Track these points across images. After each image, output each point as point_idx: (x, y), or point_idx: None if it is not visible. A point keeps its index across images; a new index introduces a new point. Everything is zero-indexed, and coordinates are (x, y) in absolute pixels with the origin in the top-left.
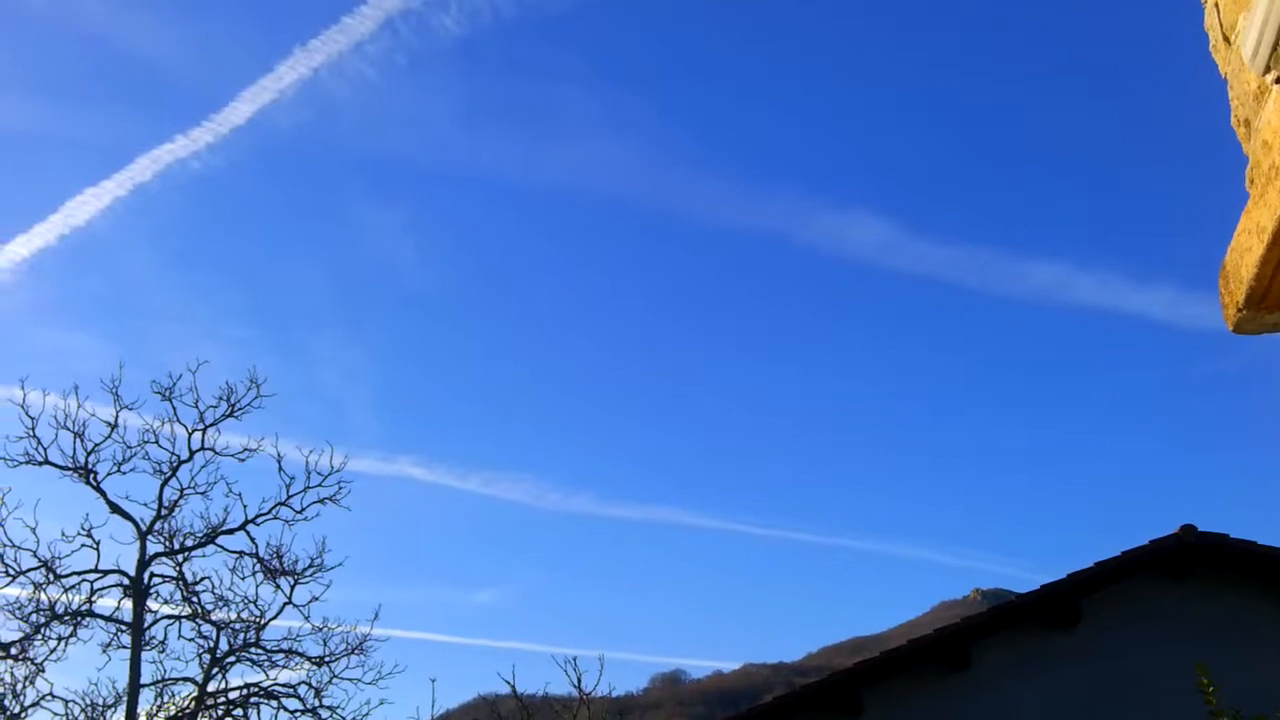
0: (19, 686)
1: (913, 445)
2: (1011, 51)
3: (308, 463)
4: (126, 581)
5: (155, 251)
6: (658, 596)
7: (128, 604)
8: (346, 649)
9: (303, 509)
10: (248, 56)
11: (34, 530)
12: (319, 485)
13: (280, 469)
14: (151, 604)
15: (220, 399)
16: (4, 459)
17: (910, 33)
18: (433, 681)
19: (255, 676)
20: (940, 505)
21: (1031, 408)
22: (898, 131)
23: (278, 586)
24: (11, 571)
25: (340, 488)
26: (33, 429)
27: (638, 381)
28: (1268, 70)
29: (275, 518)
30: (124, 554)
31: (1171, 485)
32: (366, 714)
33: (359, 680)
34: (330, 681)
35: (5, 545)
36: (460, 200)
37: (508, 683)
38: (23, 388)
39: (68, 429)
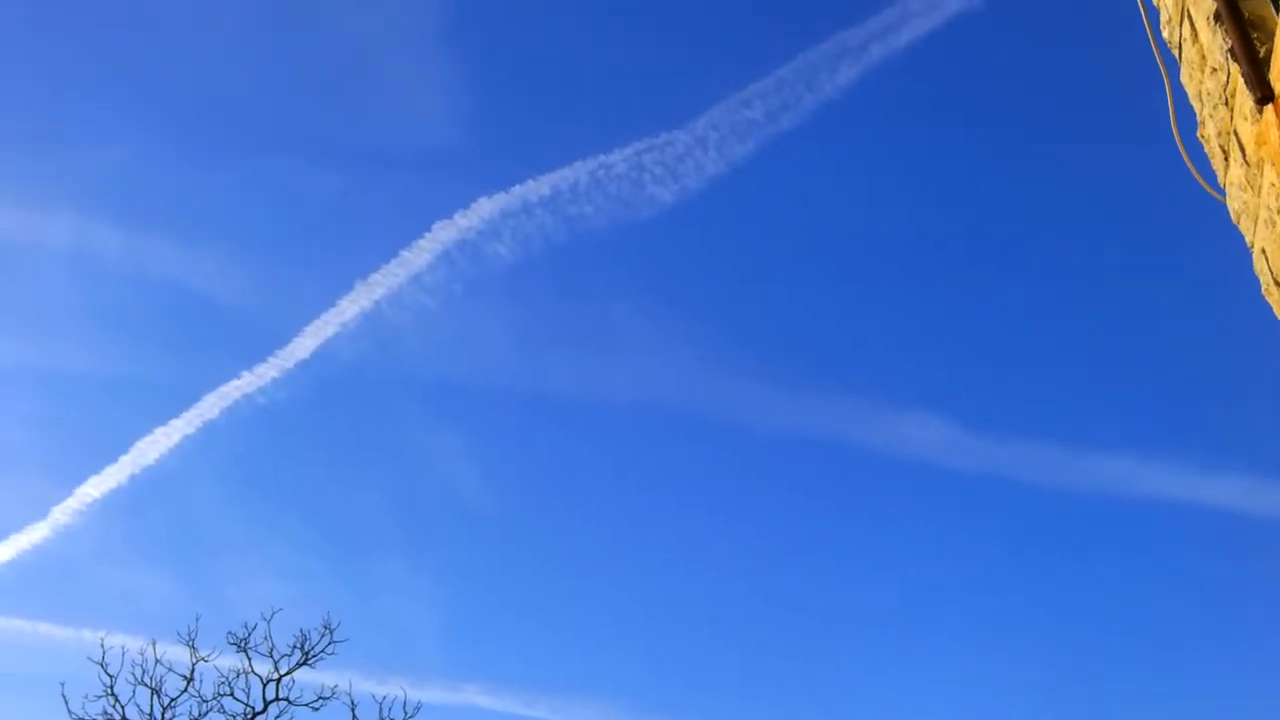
0: None
1: (988, 647)
2: (1059, 246)
3: (381, 708)
4: None
5: (223, 486)
6: None
7: None
8: None
9: None
10: (312, 293)
11: None
12: None
13: (354, 716)
14: None
15: (294, 647)
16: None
17: (956, 232)
18: None
19: None
20: (1011, 704)
21: (1095, 603)
22: (952, 329)
23: None
24: None
25: None
26: (111, 687)
27: (708, 597)
28: None
29: None
30: None
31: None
32: None
33: None
34: None
35: None
36: (519, 420)
37: None
38: (102, 645)
39: (145, 684)
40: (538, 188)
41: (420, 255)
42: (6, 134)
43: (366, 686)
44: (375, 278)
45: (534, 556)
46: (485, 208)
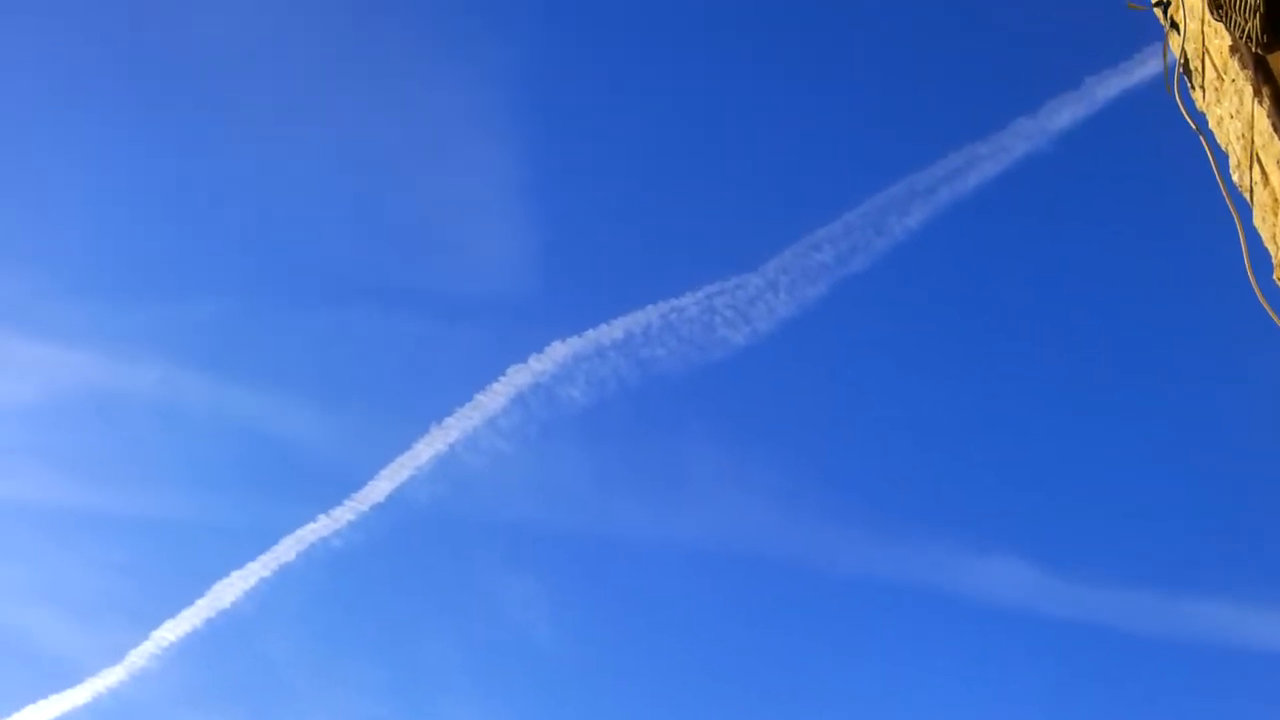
0: None
1: None
2: (1141, 388)
3: None
4: None
5: (298, 630)
6: None
7: None
8: None
9: None
10: (388, 437)
11: None
12: None
13: None
14: None
15: None
16: None
17: (1033, 375)
18: None
19: None
20: None
21: None
22: (1037, 471)
23: None
24: None
25: None
26: None
27: None
28: None
29: None
30: None
31: None
32: None
33: None
34: None
35: None
36: (592, 563)
37: None
38: None
39: None
40: (610, 331)
41: (494, 398)
42: (101, 287)
43: None
44: (450, 421)
45: (608, 703)
46: (559, 351)
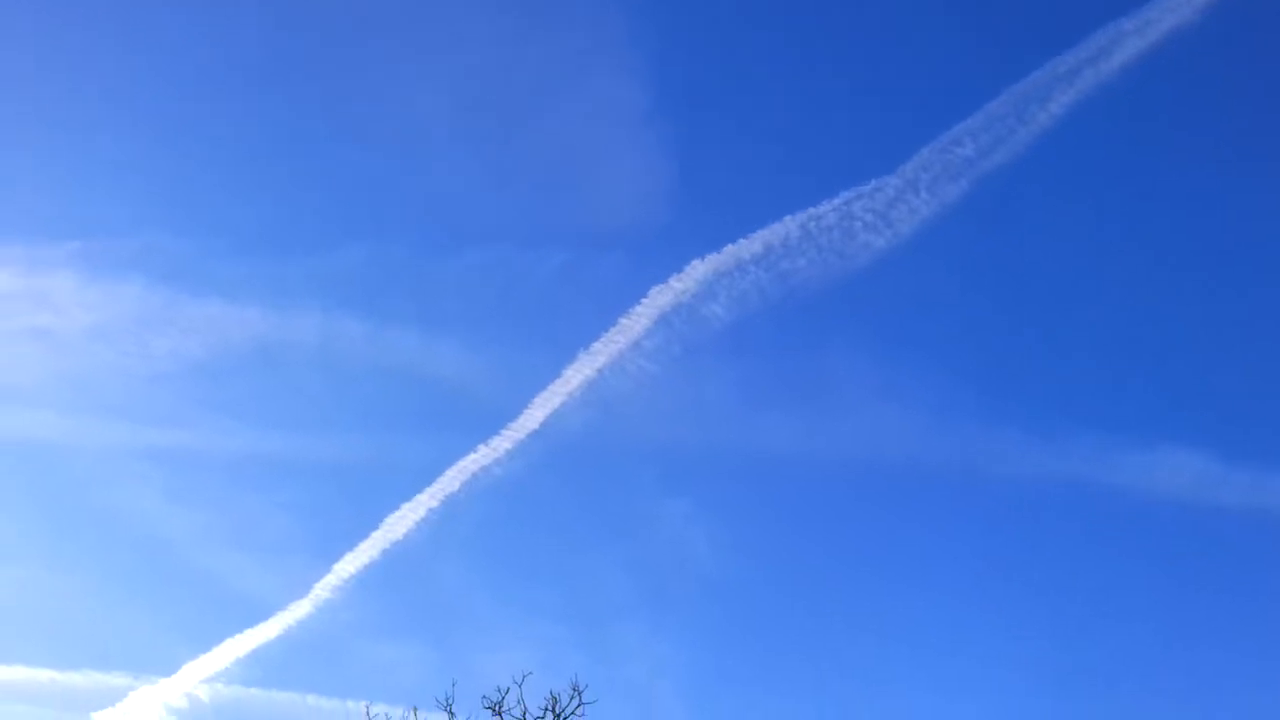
0: None
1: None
2: None
3: None
4: None
5: (468, 557)
6: None
7: None
8: None
9: None
10: (537, 367)
11: None
12: None
13: None
14: None
15: (545, 709)
16: None
17: (1194, 253)
18: None
19: None
20: None
21: None
22: (1202, 356)
23: None
24: None
25: None
26: None
27: (948, 650)
28: None
29: None
30: None
31: None
32: None
33: None
34: None
35: None
36: (746, 479)
37: None
38: (368, 712)
39: None
40: (749, 246)
41: (638, 322)
42: (259, 243)
43: None
44: (597, 347)
45: (770, 615)
46: (699, 270)
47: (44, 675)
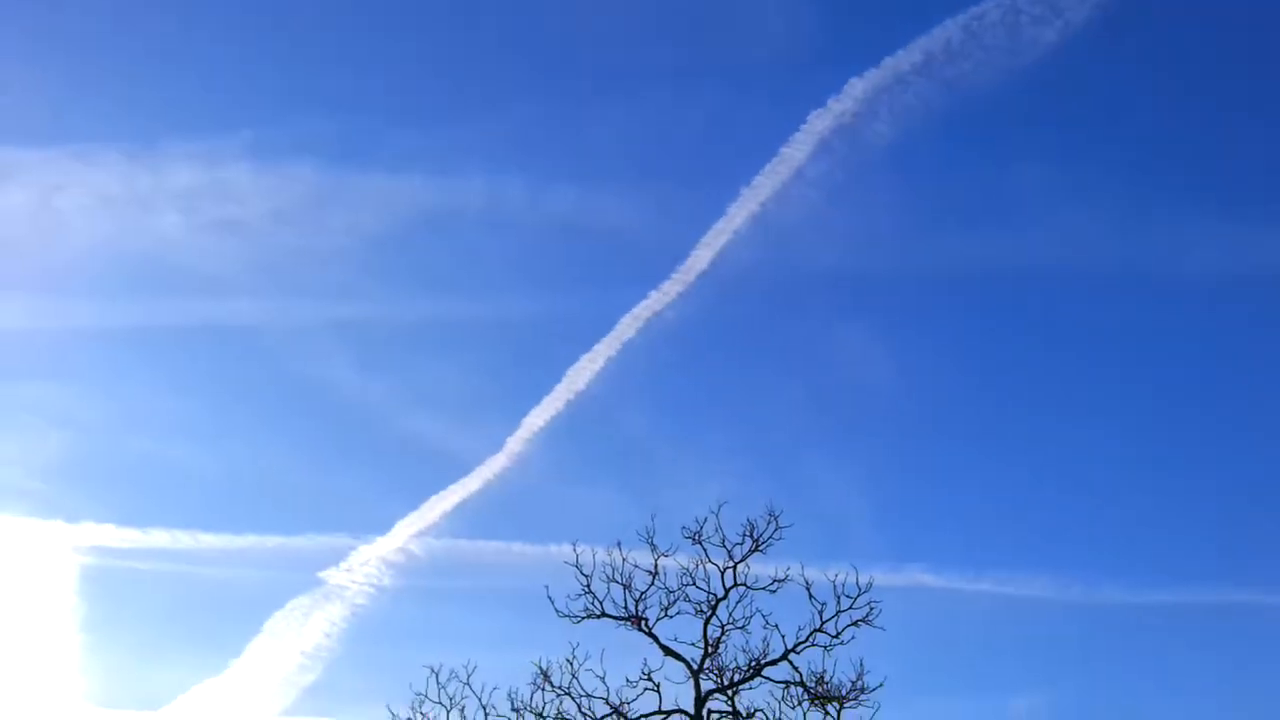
0: None
1: None
2: None
3: (834, 586)
4: None
5: (650, 401)
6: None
7: None
8: None
9: (838, 633)
10: (701, 207)
11: (603, 679)
12: (849, 608)
13: (810, 596)
14: None
15: (744, 535)
16: (569, 616)
17: None
18: None
19: None
20: None
21: None
22: None
23: (826, 713)
24: (589, 718)
25: (871, 608)
26: (588, 585)
27: (1138, 462)
28: None
29: (813, 644)
30: (682, 693)
31: None
32: None
33: None
34: None
35: (580, 695)
36: (922, 302)
37: None
38: (574, 548)
39: (617, 581)
40: (908, 56)
41: (799, 149)
42: (419, 112)
43: (811, 574)
44: (759, 180)
45: (951, 436)
46: (858, 89)
47: (271, 541)
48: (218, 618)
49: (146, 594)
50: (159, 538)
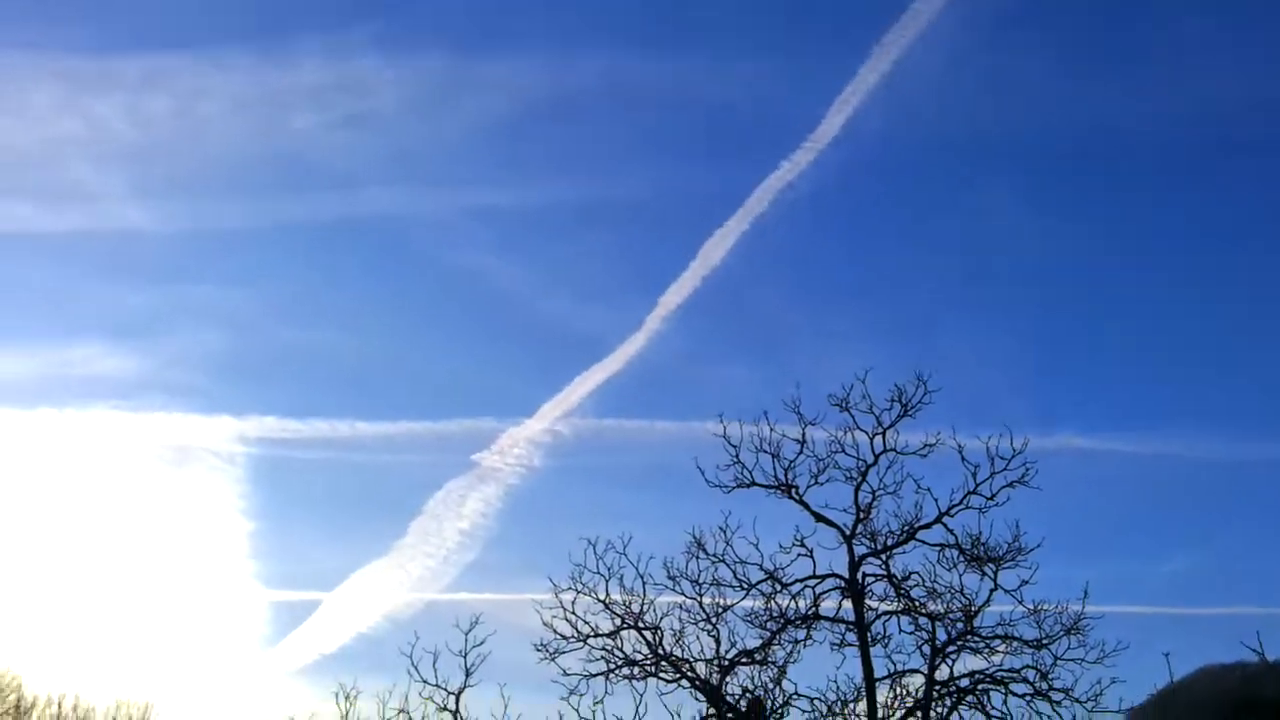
0: (769, 688)
1: None
2: None
3: (988, 449)
4: (843, 584)
5: (783, 275)
6: None
7: (848, 604)
8: (1062, 630)
9: (993, 495)
10: (830, 71)
11: (756, 546)
12: (1004, 470)
13: (963, 459)
14: (869, 602)
15: (892, 401)
16: (719, 486)
17: None
18: (1166, 656)
19: (977, 664)
20: None
21: None
22: None
23: (983, 574)
24: (744, 585)
25: (1027, 469)
26: (736, 456)
27: None
28: None
29: (967, 507)
30: (835, 558)
31: None
32: (1098, 694)
33: (1082, 660)
34: (1055, 664)
35: (736, 563)
36: (1062, 157)
37: (1255, 650)
38: (722, 420)
39: (765, 451)
40: None
41: (931, 3)
42: None
43: (961, 440)
44: (888, 38)
45: (1097, 292)
46: None
47: (423, 427)
48: (379, 502)
49: (311, 481)
50: (319, 428)
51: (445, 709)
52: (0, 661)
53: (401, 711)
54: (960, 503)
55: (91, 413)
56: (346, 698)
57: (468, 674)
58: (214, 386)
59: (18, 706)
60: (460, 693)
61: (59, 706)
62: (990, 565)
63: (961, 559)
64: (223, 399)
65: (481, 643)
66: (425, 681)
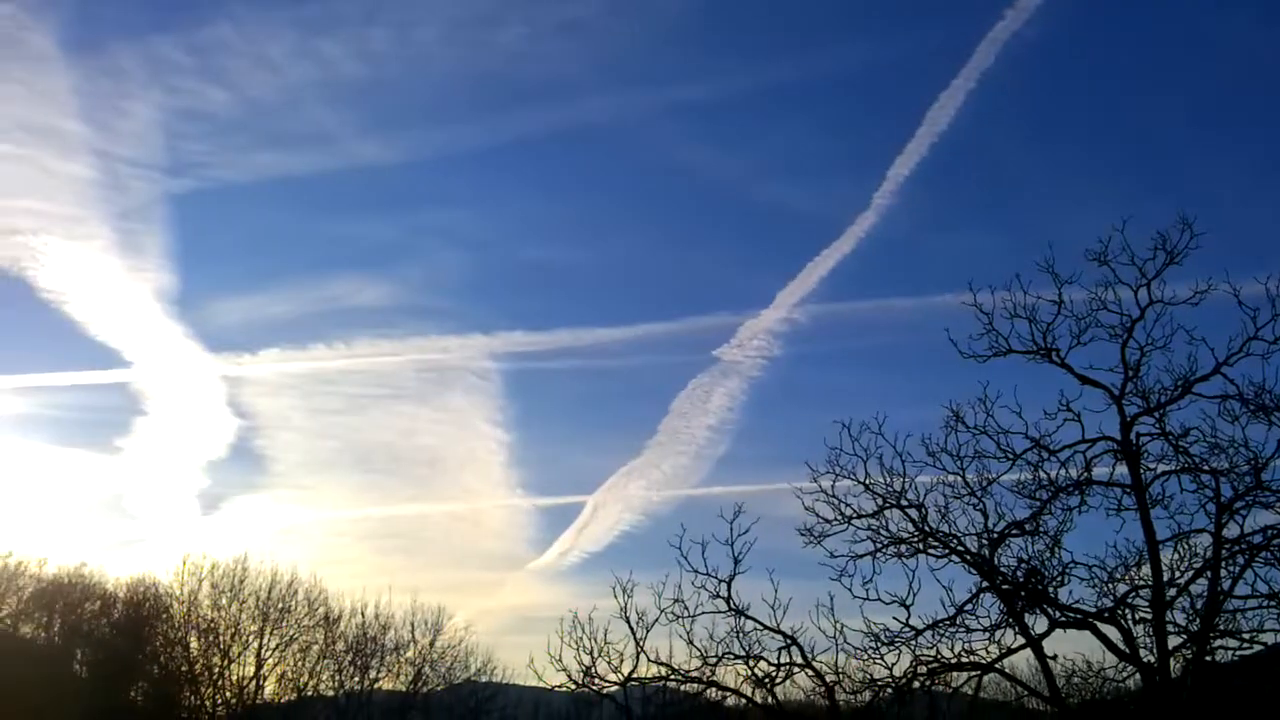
0: (1043, 560)
1: None
2: None
3: (1267, 290)
4: (1115, 446)
5: (1018, 130)
6: None
7: (1121, 467)
8: None
9: (1276, 338)
10: None
11: (1019, 415)
12: None
13: (1240, 303)
14: (1145, 463)
15: (1155, 249)
16: (974, 357)
17: None
18: None
19: (1270, 519)
20: None
21: None
22: None
23: (1270, 423)
24: (1009, 456)
25: None
26: (990, 324)
27: None
28: None
29: (1247, 354)
30: (1104, 420)
31: None
32: None
33: None
34: None
35: (998, 433)
36: None
37: None
38: (972, 289)
39: (1020, 316)
40: None
41: None
42: None
43: (1236, 283)
44: None
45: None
46: None
47: (661, 328)
48: (627, 404)
49: (561, 390)
50: (562, 338)
51: (718, 595)
52: (308, 580)
53: (677, 600)
54: (1240, 350)
55: (357, 345)
56: (624, 590)
57: (736, 561)
58: (462, 307)
59: (326, 618)
60: (731, 579)
61: (362, 615)
62: (1278, 414)
63: (1244, 410)
64: (472, 318)
65: (746, 531)
66: (696, 571)
